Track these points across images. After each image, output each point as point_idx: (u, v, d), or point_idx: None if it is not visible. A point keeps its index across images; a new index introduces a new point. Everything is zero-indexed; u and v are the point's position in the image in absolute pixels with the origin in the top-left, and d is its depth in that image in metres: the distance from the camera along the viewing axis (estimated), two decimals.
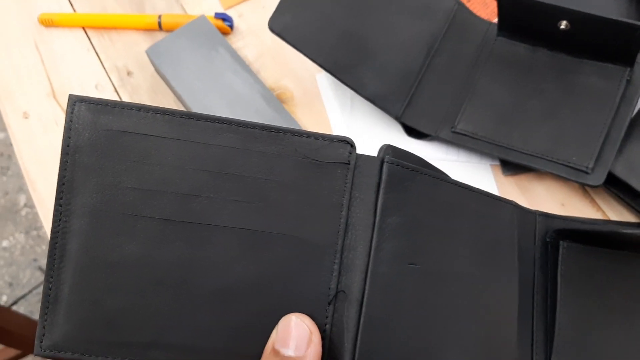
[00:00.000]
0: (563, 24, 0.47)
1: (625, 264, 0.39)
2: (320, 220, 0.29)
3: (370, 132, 0.53)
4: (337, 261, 0.29)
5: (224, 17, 0.57)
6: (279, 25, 0.49)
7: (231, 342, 0.28)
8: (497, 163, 0.51)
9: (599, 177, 0.45)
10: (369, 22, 0.52)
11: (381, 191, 0.30)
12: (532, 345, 0.38)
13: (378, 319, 0.29)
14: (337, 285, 0.29)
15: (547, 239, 0.41)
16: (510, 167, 0.50)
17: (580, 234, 0.39)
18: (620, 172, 0.45)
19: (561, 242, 0.40)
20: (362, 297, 0.29)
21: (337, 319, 0.29)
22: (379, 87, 0.50)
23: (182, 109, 0.55)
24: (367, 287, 0.29)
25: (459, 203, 0.34)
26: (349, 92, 0.54)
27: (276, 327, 0.28)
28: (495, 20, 0.53)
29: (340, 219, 0.29)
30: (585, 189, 0.50)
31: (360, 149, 0.50)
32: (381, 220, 0.30)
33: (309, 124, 0.54)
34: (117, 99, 0.57)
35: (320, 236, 0.29)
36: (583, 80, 0.48)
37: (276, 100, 0.52)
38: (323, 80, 0.56)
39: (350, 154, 0.30)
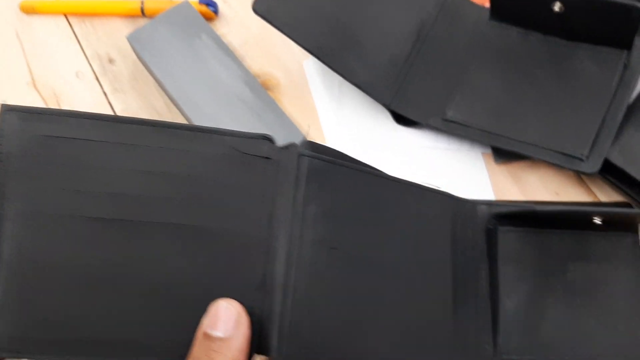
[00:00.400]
0: (557, 6, 0.45)
1: (560, 242, 0.40)
2: (247, 213, 0.31)
3: (359, 120, 0.51)
4: (262, 250, 0.31)
5: (208, 2, 0.55)
6: (264, 7, 0.47)
7: (165, 335, 0.29)
8: (489, 151, 0.49)
9: (595, 165, 0.43)
10: (358, 6, 0.50)
11: (300, 183, 0.32)
12: (478, 331, 0.39)
13: (303, 302, 0.30)
14: (264, 273, 0.30)
15: (489, 226, 0.41)
16: (503, 155, 0.48)
17: (514, 217, 0.40)
18: (617, 160, 0.44)
19: (499, 228, 0.41)
20: (287, 282, 0.30)
21: (266, 304, 0.30)
22: (367, 74, 0.48)
23: (165, 96, 0.53)
24: (290, 272, 0.30)
25: (385, 194, 0.35)
26: (337, 79, 0.53)
27: (206, 313, 0.29)
28: (488, 4, 0.51)
29: (264, 210, 0.31)
30: (580, 177, 0.48)
31: (348, 138, 0.48)
32: (302, 210, 0.31)
33: (295, 112, 0.52)
34: (98, 87, 0.55)
35: (247, 228, 0.31)
36: (578, 65, 0.46)
37: (261, 87, 0.50)
38: (310, 67, 0.54)
39: (271, 149, 0.32)
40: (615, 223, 0.40)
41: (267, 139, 0.33)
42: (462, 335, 0.38)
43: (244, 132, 0.32)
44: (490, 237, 0.41)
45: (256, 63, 0.54)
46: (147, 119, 0.31)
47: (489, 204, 0.43)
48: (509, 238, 0.41)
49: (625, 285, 0.40)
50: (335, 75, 0.50)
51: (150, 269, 0.29)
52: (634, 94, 0.46)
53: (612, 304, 0.39)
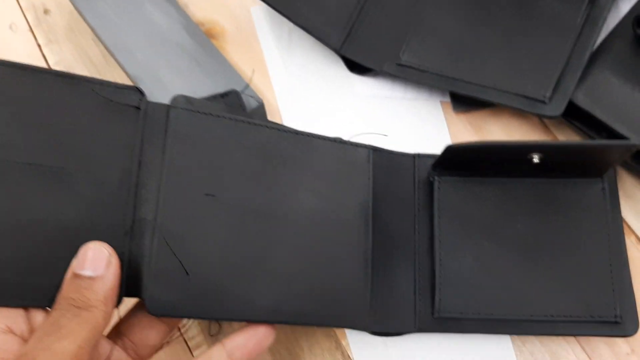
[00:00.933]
0: None
1: (510, 192, 0.37)
2: (116, 160, 0.31)
3: (309, 68, 0.48)
4: (131, 196, 0.31)
5: None
6: None
7: (32, 279, 0.29)
8: (448, 100, 0.45)
9: (558, 107, 0.40)
10: None
11: (169, 133, 0.32)
12: (415, 289, 0.37)
13: (174, 245, 0.31)
14: (133, 218, 0.31)
15: (430, 179, 0.39)
16: (462, 103, 0.44)
17: (455, 167, 0.37)
18: (583, 102, 0.40)
19: (435, 178, 0.38)
20: (155, 226, 0.31)
21: (135, 247, 0.31)
22: (315, 15, 0.44)
23: (102, 47, 0.49)
24: (159, 217, 0.31)
25: (281, 147, 0.35)
26: (287, 26, 0.49)
27: (76, 255, 0.29)
28: None
29: (133, 157, 0.31)
30: (546, 124, 0.44)
31: (297, 87, 0.44)
32: (171, 158, 0.32)
33: (242, 61, 0.48)
34: (32, 38, 0.51)
35: (116, 174, 0.31)
36: (541, 1, 0.42)
37: (202, 34, 0.46)
38: (258, 13, 0.50)
39: (140, 100, 0.32)
40: (572, 165, 0.36)
41: (138, 90, 0.33)
42: (396, 292, 0.36)
43: (115, 83, 0.32)
44: (430, 190, 0.38)
45: (201, 10, 0.50)
46: (19, 63, 0.31)
47: (429, 156, 0.40)
48: (447, 189, 0.38)
49: (589, 239, 0.36)
50: (284, 21, 0.46)
51: (14, 209, 0.29)
52: (603, 34, 0.43)
53: (571, 259, 0.36)
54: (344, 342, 0.39)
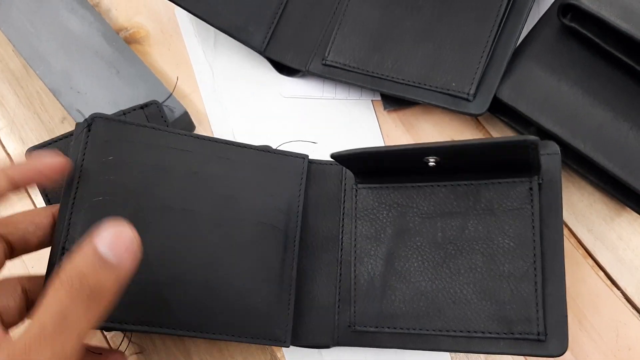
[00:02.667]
0: None
1: (431, 197, 0.35)
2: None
3: (237, 71, 0.46)
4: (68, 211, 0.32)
5: None
6: None
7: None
8: (379, 98, 0.44)
9: (482, 105, 0.39)
10: None
11: (87, 143, 0.34)
12: (336, 300, 0.36)
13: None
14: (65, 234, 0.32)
15: (353, 186, 0.37)
16: (392, 101, 0.43)
17: (375, 173, 0.36)
18: (508, 97, 0.39)
19: (353, 186, 0.37)
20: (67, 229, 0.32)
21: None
22: (235, 16, 0.43)
23: (22, 57, 0.47)
24: (71, 218, 0.32)
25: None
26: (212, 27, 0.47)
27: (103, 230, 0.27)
28: None
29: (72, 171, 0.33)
30: (478, 119, 0.43)
31: (225, 92, 0.43)
32: (84, 166, 0.33)
33: (167, 65, 0.47)
34: None
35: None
36: None
37: (121, 40, 0.45)
38: (183, 15, 0.48)
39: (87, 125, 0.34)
40: (485, 166, 0.33)
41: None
42: (318, 304, 0.35)
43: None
44: (351, 197, 0.37)
45: (123, 14, 0.49)
46: (201, 135, 0.37)
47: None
48: (365, 196, 0.36)
49: (512, 245, 0.33)
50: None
51: (174, 242, 0.34)
52: (529, 26, 0.41)
53: (492, 268, 0.33)
54: (279, 354, 0.38)
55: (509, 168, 0.34)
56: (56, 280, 0.25)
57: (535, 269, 0.33)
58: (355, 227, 0.36)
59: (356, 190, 0.36)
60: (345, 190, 0.38)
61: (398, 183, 0.35)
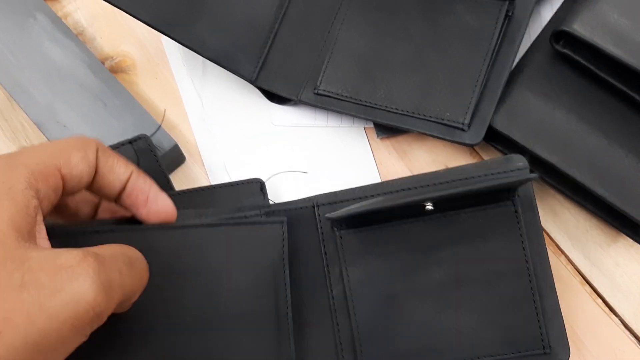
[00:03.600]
0: None
1: (420, 233, 0.35)
2: None
3: (227, 100, 0.45)
4: None
5: None
6: None
7: None
8: (372, 125, 0.44)
9: (477, 135, 0.38)
10: None
11: None
12: (337, 350, 0.35)
13: None
14: None
15: (336, 231, 0.35)
16: (384, 128, 0.43)
17: (354, 218, 0.34)
18: (502, 126, 0.39)
19: (336, 233, 0.35)
20: None
21: None
22: (224, 45, 0.42)
23: (4, 89, 0.46)
24: None
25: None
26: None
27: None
28: None
29: None
30: (472, 147, 0.43)
31: (214, 122, 0.43)
32: None
33: (155, 95, 0.46)
34: None
35: None
36: (455, 19, 0.41)
37: (106, 71, 0.43)
38: (169, 42, 0.47)
39: None
40: (479, 195, 0.34)
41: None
42: (316, 356, 0.34)
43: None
44: (335, 244, 0.35)
45: (108, 43, 0.47)
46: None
47: (330, 203, 0.36)
48: (351, 242, 0.35)
49: (507, 267, 0.34)
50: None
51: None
52: (521, 52, 0.41)
53: (491, 293, 0.34)
54: None
55: (493, 195, 0.34)
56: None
57: (532, 288, 0.34)
58: (347, 274, 0.35)
59: (340, 237, 0.35)
60: (323, 234, 0.36)
61: (385, 223, 0.34)
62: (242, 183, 0.38)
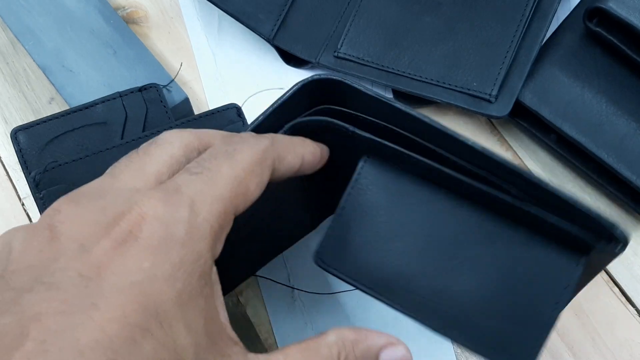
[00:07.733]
0: None
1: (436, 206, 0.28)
2: None
3: (241, 59, 0.44)
4: None
5: None
6: None
7: None
8: (391, 95, 0.42)
9: (504, 107, 0.37)
10: None
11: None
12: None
13: None
14: None
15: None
16: (404, 100, 0.41)
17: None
18: (530, 101, 0.37)
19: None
20: None
21: None
22: (246, 1, 0.40)
23: (10, 33, 0.44)
24: None
25: None
26: (217, 10, 0.44)
27: None
28: None
29: None
30: (492, 123, 0.41)
31: (228, 80, 0.40)
32: None
33: (166, 49, 0.44)
34: None
35: None
36: None
37: (118, 17, 0.42)
38: None
39: None
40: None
41: None
42: None
43: None
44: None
45: None
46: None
47: None
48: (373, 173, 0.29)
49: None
50: (213, 5, 0.42)
51: None
52: (553, 27, 0.40)
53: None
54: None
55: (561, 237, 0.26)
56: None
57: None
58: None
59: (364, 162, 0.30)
60: None
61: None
62: (219, 111, 0.37)
